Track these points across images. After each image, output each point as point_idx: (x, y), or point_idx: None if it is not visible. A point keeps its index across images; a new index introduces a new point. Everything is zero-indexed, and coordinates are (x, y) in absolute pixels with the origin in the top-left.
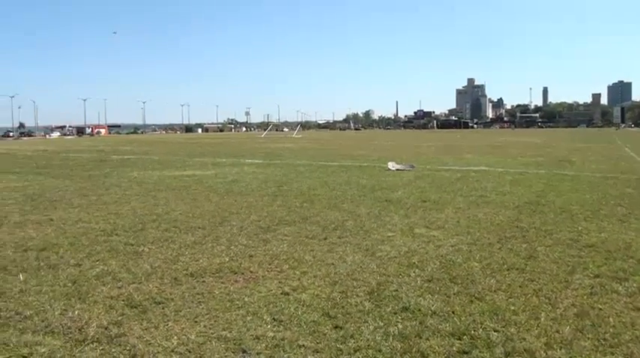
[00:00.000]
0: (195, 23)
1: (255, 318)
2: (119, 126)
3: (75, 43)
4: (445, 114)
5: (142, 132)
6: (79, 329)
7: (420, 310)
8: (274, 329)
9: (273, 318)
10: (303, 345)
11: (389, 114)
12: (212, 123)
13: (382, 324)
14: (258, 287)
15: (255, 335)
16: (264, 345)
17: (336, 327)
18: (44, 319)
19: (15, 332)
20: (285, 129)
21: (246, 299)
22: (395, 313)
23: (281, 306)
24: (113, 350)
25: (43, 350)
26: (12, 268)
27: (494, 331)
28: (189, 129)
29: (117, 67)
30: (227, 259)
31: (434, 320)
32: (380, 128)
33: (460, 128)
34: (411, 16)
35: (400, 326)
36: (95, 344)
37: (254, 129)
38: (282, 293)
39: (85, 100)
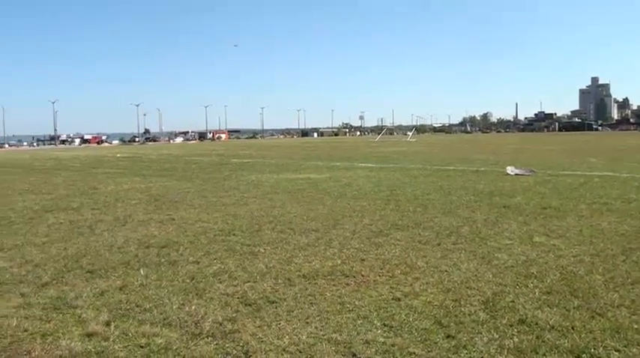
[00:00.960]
0: (312, 30)
1: (366, 322)
2: (239, 131)
3: (197, 55)
4: (567, 115)
5: (261, 137)
6: (195, 324)
7: (537, 324)
8: (384, 334)
9: (384, 323)
10: (414, 353)
11: (508, 116)
12: (327, 128)
13: (497, 336)
14: (369, 291)
15: (365, 339)
16: (373, 350)
17: (448, 336)
18: (162, 312)
19: (134, 322)
20: (399, 133)
21: (357, 302)
22: (510, 325)
23: (392, 312)
24: (227, 345)
25: (160, 341)
26: (134, 263)
27: (616, 351)
28: (305, 133)
29: (237, 75)
30: (339, 262)
31: (552, 336)
32: (499, 131)
33: (583, 130)
34: (530, 13)
35: (516, 339)
36: (210, 338)
37: (368, 133)
38: (393, 299)
39: (206, 107)
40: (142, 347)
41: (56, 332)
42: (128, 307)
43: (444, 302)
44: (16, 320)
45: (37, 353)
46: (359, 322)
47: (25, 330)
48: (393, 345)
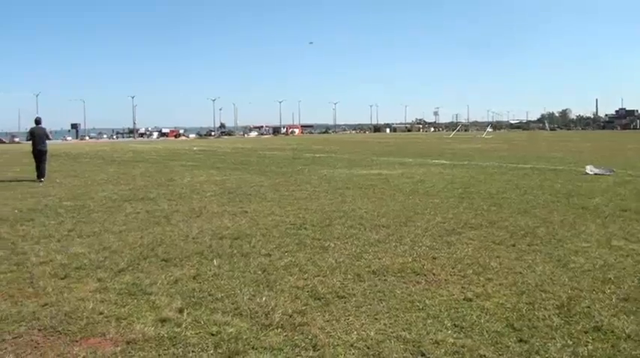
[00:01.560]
0: (382, 27)
1: (436, 322)
2: (312, 126)
3: (272, 51)
4: None
5: (333, 132)
6: (265, 315)
7: (613, 331)
8: (455, 335)
9: (454, 324)
10: (485, 356)
11: (587, 113)
12: (400, 123)
13: (571, 343)
14: (440, 291)
15: (434, 339)
16: (443, 351)
17: (520, 340)
18: (234, 302)
19: (206, 311)
20: (475, 130)
21: (427, 301)
22: (585, 332)
23: (463, 312)
24: (296, 337)
25: (230, 330)
26: (208, 253)
27: None
28: (377, 129)
29: (310, 72)
30: (410, 259)
31: (628, 345)
32: (578, 128)
33: None
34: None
35: (590, 347)
36: (279, 329)
37: (442, 130)
38: (464, 299)
39: (280, 102)
40: (213, 335)
41: (130, 316)
42: (201, 295)
43: (517, 304)
44: (92, 303)
45: (111, 335)
46: (429, 321)
47: (101, 313)
48: (463, 347)
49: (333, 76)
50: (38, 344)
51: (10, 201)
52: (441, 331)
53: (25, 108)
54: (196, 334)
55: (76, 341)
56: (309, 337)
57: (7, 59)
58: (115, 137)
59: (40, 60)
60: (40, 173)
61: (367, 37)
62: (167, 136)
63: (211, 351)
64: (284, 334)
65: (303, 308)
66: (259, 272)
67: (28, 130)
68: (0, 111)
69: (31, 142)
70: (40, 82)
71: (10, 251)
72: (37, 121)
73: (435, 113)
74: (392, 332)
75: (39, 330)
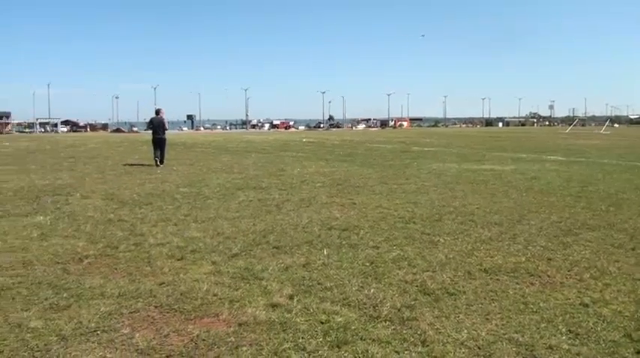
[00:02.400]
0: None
1: (550, 326)
2: (420, 119)
3: (383, 43)
4: None
5: (444, 126)
6: (374, 307)
7: None
8: (569, 341)
9: (569, 330)
10: None
11: None
12: (513, 117)
13: None
14: (554, 294)
15: (548, 344)
16: (557, 357)
17: (638, 352)
18: (342, 292)
19: (316, 299)
20: (592, 125)
21: (541, 304)
22: None
23: (579, 318)
24: (404, 331)
25: (339, 320)
26: (317, 243)
27: None
28: (489, 122)
29: (421, 64)
30: (523, 259)
31: None
32: None
33: None
34: None
35: None
36: (387, 322)
37: (557, 124)
38: (580, 304)
39: (389, 95)
40: (322, 323)
41: (243, 299)
42: (310, 284)
43: (636, 313)
44: (206, 285)
45: (224, 316)
46: (542, 325)
47: (215, 295)
48: (578, 354)
49: (443, 69)
50: (154, 319)
51: (129, 185)
52: (555, 336)
53: (144, 100)
54: (306, 321)
55: (191, 320)
56: (418, 332)
57: (128, 54)
58: (228, 128)
59: (158, 54)
60: (159, 159)
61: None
62: (278, 128)
63: (320, 339)
64: (392, 327)
65: (412, 302)
66: (367, 264)
67: (146, 120)
68: (120, 103)
69: (151, 131)
70: (159, 75)
71: (130, 232)
72: (157, 112)
73: (550, 107)
74: (504, 334)
75: (155, 307)
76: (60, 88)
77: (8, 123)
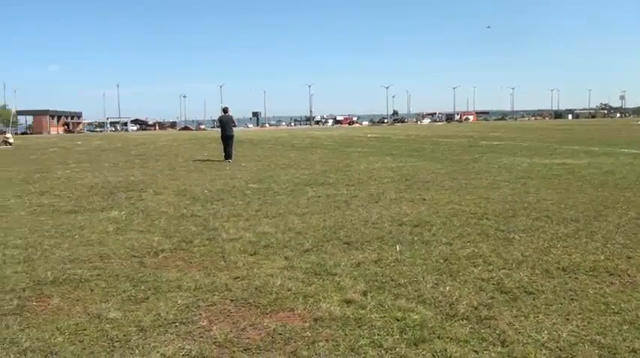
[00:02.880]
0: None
1: (632, 328)
2: (487, 112)
3: (449, 37)
4: None
5: (511, 119)
6: (450, 305)
7: None
8: None
9: None
10: None
11: None
12: (583, 109)
13: None
14: (636, 294)
15: (632, 347)
16: None
17: None
18: (417, 289)
19: (390, 296)
20: None
21: (622, 305)
22: None
23: None
24: (482, 330)
25: (415, 317)
26: (388, 239)
27: None
28: (558, 115)
29: (486, 55)
30: (602, 257)
31: None
32: None
33: None
34: None
35: None
36: (465, 321)
37: (629, 115)
38: None
39: (454, 88)
40: (397, 320)
41: (317, 295)
42: (383, 280)
43: None
44: (280, 279)
45: (299, 311)
46: (624, 327)
47: (289, 290)
48: None
49: (510, 61)
50: (230, 313)
51: (200, 182)
52: (638, 339)
53: (210, 98)
54: (381, 318)
55: (266, 314)
56: (497, 332)
57: (195, 54)
58: (292, 124)
59: (224, 53)
60: (227, 155)
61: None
62: (341, 123)
63: (397, 336)
64: (470, 326)
65: (489, 301)
66: (441, 260)
67: (212, 118)
68: (188, 102)
69: (219, 128)
70: (225, 73)
71: (203, 227)
72: (225, 110)
73: (621, 97)
74: (585, 335)
75: (231, 300)
76: (129, 88)
77: (80, 123)
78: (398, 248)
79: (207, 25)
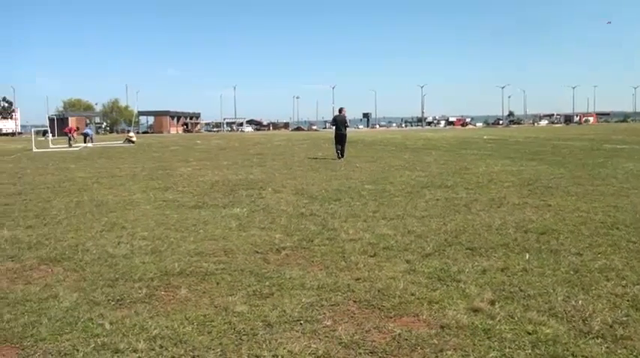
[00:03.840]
0: None
1: None
2: (608, 114)
3: (563, 33)
4: None
5: (633, 121)
6: (583, 320)
7: None
8: None
9: None
10: None
11: None
12: None
13: None
14: None
15: None
16: None
17: None
18: (547, 301)
19: (519, 307)
20: None
21: None
22: None
23: None
24: (618, 351)
25: (547, 332)
26: (513, 246)
27: None
28: None
29: (605, 53)
30: None
31: None
32: None
33: None
34: None
35: None
36: (600, 339)
37: None
38: None
39: (574, 88)
40: (529, 333)
41: (442, 301)
42: (511, 290)
43: None
44: (402, 283)
45: (424, 317)
46: None
47: (412, 294)
48: None
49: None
50: (354, 314)
51: (317, 181)
52: None
53: (323, 99)
54: (511, 330)
55: (390, 317)
56: (634, 353)
57: (308, 56)
58: (403, 125)
59: (337, 54)
60: (341, 153)
61: None
62: (454, 125)
63: (529, 350)
64: (605, 345)
65: (625, 318)
66: (571, 272)
67: (324, 119)
68: (301, 102)
69: (334, 128)
70: (337, 75)
71: (322, 226)
72: (340, 110)
73: None
74: None
75: (354, 302)
76: (245, 90)
77: (198, 123)
78: (526, 256)
79: (320, 26)
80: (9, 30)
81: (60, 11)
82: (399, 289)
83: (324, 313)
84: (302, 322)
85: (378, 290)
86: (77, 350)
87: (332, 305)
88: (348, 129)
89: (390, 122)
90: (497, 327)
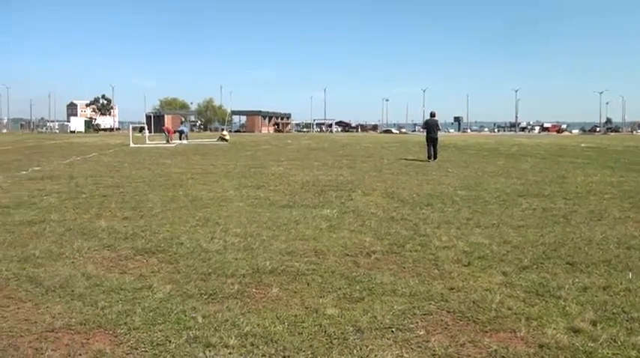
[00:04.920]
0: None
1: None
2: None
3: None
4: None
5: None
6: None
7: None
8: None
9: None
10: None
11: None
12: None
13: None
14: None
15: None
16: None
17: None
18: None
19: (622, 330)
20: None
21: None
22: None
23: None
24: None
25: None
26: (616, 264)
27: None
28: None
29: None
30: None
31: None
32: None
33: None
34: None
35: None
36: None
37: None
38: None
39: None
40: None
41: (540, 318)
42: (614, 310)
43: None
44: (499, 296)
45: (522, 334)
46: None
47: (509, 309)
48: None
49: None
50: (448, 325)
51: (407, 185)
52: None
53: (413, 102)
54: (614, 355)
55: (486, 332)
56: None
57: (400, 59)
58: (495, 130)
59: (428, 58)
60: (432, 155)
61: None
62: (548, 131)
63: None
64: None
65: None
66: None
67: (414, 122)
68: (390, 105)
69: (425, 131)
70: (427, 77)
71: (414, 231)
72: (432, 114)
73: None
74: None
75: (447, 312)
76: (335, 92)
77: (288, 123)
78: (630, 275)
79: (409, 28)
80: (112, 33)
81: (153, 13)
82: (495, 302)
83: (417, 322)
84: (394, 330)
85: (473, 302)
86: (169, 341)
87: (424, 315)
88: (439, 132)
89: (481, 126)
90: (600, 351)
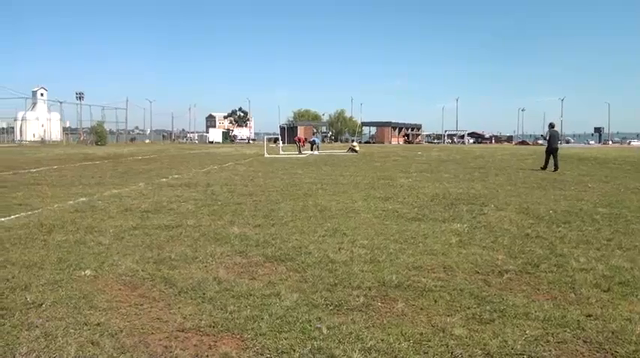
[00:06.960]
0: None
1: None
2: None
3: None
4: None
5: None
6: None
7: None
8: None
9: None
10: None
11: None
12: None
13: None
14: None
15: None
16: None
17: None
18: None
19: None
20: None
21: None
22: None
23: None
24: None
25: None
26: None
27: None
28: None
29: None
30: None
31: None
32: None
33: None
34: None
35: None
36: None
37: None
38: None
39: None
40: None
41: None
42: None
43: None
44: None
45: None
46: None
47: None
48: None
49: None
50: (583, 356)
51: (543, 200)
52: None
53: (550, 112)
54: None
55: None
56: None
57: (535, 69)
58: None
59: (565, 64)
60: (555, 166)
61: None
62: None
63: None
64: None
65: None
66: None
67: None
68: (526, 115)
69: (547, 142)
70: (566, 85)
71: (549, 251)
72: (552, 125)
73: None
74: None
75: (584, 342)
76: (467, 102)
77: (419, 134)
78: None
79: (542, 34)
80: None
81: (285, 30)
82: (636, 334)
83: (550, 350)
84: (525, 357)
85: (612, 332)
86: (294, 350)
87: (559, 343)
88: (576, 144)
89: (624, 138)
90: None
